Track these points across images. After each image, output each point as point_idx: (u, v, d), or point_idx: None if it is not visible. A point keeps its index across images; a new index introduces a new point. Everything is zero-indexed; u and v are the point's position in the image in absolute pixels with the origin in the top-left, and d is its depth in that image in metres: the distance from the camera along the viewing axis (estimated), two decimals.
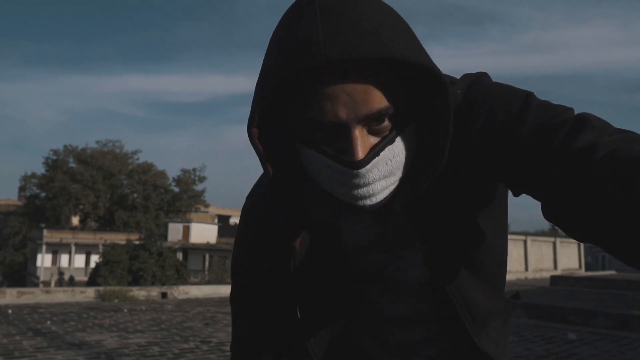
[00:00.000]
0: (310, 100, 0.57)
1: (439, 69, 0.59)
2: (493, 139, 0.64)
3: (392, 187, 0.64)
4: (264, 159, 0.63)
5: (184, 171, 51.45)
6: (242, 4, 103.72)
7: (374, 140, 0.60)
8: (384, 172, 0.61)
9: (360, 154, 0.58)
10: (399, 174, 0.64)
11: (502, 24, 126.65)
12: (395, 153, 0.61)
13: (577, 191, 0.55)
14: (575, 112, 0.62)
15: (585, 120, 0.59)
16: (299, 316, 0.83)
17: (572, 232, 0.59)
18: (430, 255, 0.74)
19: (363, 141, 0.59)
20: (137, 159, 52.43)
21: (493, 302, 0.82)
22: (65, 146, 50.01)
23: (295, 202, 0.70)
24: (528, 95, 0.65)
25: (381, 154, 0.60)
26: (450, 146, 0.64)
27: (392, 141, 0.61)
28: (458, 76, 0.73)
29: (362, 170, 0.59)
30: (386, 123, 0.60)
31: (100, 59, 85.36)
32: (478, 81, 0.69)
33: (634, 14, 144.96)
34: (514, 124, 0.62)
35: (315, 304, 0.81)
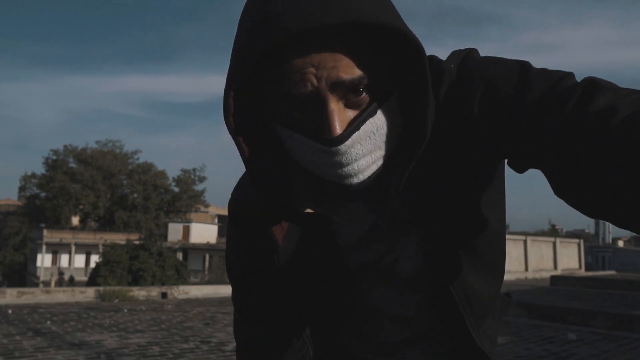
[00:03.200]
0: (280, 76, 0.55)
1: (412, 33, 0.55)
2: (495, 112, 0.60)
3: (379, 163, 0.60)
4: (242, 150, 0.61)
5: (184, 171, 51.44)
6: (241, 5, 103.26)
7: (353, 114, 0.57)
8: (368, 147, 0.58)
9: (338, 129, 0.55)
10: (385, 149, 0.60)
11: (500, 25, 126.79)
12: (379, 126, 0.58)
13: (594, 159, 0.51)
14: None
15: (597, 83, 0.55)
16: (293, 310, 0.82)
17: (585, 207, 0.55)
18: (428, 243, 0.70)
19: (340, 115, 0.56)
20: (137, 159, 52.43)
21: (492, 294, 0.78)
22: (65, 146, 50.03)
23: (281, 195, 0.67)
24: (525, 64, 0.61)
25: (362, 127, 0.57)
26: (449, 124, 0.61)
27: (372, 113, 0.57)
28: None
29: (342, 147, 0.56)
30: (364, 95, 0.57)
31: (101, 59, 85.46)
32: (470, 55, 0.65)
33: (631, 15, 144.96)
34: (516, 94, 0.59)
35: (306, 298, 0.79)
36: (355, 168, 0.58)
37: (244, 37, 0.55)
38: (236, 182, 0.82)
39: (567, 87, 0.56)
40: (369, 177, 0.60)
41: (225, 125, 0.59)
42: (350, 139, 0.56)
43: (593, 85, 0.55)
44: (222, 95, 0.57)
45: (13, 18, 78.57)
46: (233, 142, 0.61)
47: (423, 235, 0.70)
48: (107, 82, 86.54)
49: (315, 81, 0.54)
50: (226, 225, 0.85)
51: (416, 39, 0.56)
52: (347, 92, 0.56)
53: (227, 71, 0.58)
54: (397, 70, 0.61)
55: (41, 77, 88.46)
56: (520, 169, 0.63)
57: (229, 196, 0.82)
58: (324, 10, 0.51)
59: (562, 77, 0.58)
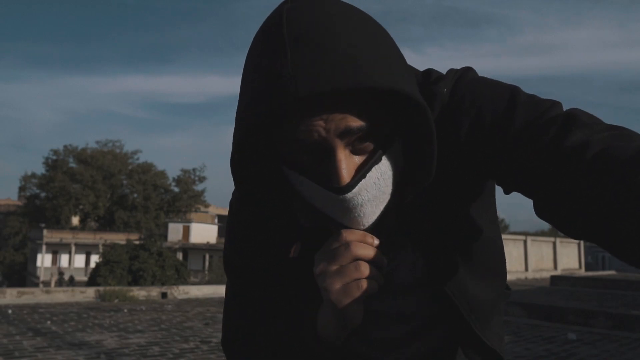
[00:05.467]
0: (290, 126, 0.57)
1: (417, 94, 0.57)
2: (482, 138, 0.63)
3: (381, 207, 0.62)
4: (241, 188, 0.65)
5: (184, 171, 51.51)
6: (240, 6, 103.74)
7: (359, 159, 0.59)
8: (373, 192, 0.60)
9: (346, 177, 0.57)
10: (388, 192, 0.63)
11: (499, 26, 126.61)
12: (383, 172, 0.60)
13: (570, 189, 0.55)
14: (564, 108, 0.62)
15: (575, 117, 0.58)
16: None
17: (565, 229, 0.59)
18: (426, 256, 0.73)
19: (348, 163, 0.58)
20: (137, 159, 52.57)
21: (494, 296, 0.81)
22: (65, 146, 50.14)
23: (284, 208, 0.69)
24: (514, 91, 0.64)
25: (368, 175, 0.59)
26: (439, 145, 0.63)
27: (378, 161, 0.60)
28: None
29: (349, 195, 0.58)
30: (370, 142, 0.59)
31: (100, 60, 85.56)
32: (463, 77, 0.68)
33: (630, 15, 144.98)
34: (502, 122, 0.62)
35: (304, 296, 0.77)
36: (360, 213, 0.61)
37: (253, 94, 0.56)
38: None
39: (548, 119, 0.59)
40: (373, 223, 0.63)
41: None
42: (357, 187, 0.58)
43: (572, 119, 0.58)
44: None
45: (13, 18, 78.68)
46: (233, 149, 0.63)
47: (421, 248, 0.73)
48: (107, 83, 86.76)
49: (323, 132, 0.56)
50: (228, 217, 0.83)
51: (422, 102, 0.58)
52: (353, 140, 0.58)
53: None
54: (400, 116, 0.63)
55: (41, 77, 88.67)
56: (505, 190, 0.67)
57: (229, 196, 0.81)
58: (334, 75, 0.51)
59: (548, 109, 0.61)
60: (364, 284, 0.61)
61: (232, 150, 0.59)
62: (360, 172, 0.59)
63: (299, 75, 0.51)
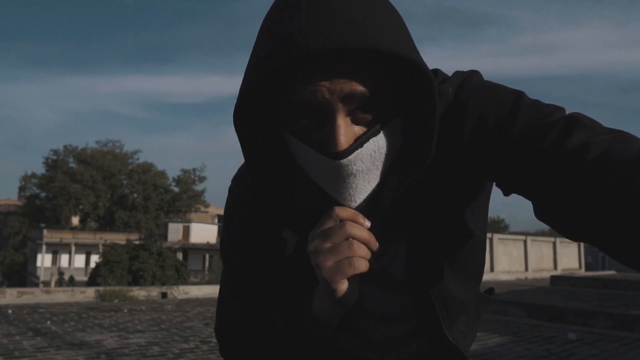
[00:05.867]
0: (295, 86, 0.58)
1: (423, 62, 0.58)
2: (484, 139, 0.64)
3: (374, 184, 0.63)
4: (246, 147, 0.64)
5: (184, 171, 51.55)
6: (240, 6, 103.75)
7: (359, 130, 0.60)
8: (367, 165, 0.61)
9: (344, 143, 0.58)
10: (381, 168, 0.63)
11: (499, 26, 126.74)
12: (380, 145, 0.61)
13: (570, 189, 0.55)
14: (567, 112, 0.62)
15: (577, 120, 0.59)
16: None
17: (564, 231, 0.59)
18: (414, 250, 0.74)
19: (347, 130, 0.59)
20: (137, 159, 52.62)
21: (468, 297, 0.83)
22: (65, 146, 50.15)
23: (281, 191, 0.69)
24: (518, 95, 0.65)
25: (365, 145, 0.60)
26: (440, 145, 0.63)
27: (376, 133, 0.60)
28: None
29: (345, 161, 0.59)
30: (371, 113, 0.60)
31: (101, 60, 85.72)
32: (469, 80, 0.69)
33: (630, 16, 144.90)
34: (504, 125, 0.62)
35: (297, 293, 0.77)
36: (353, 184, 0.62)
37: (265, 47, 0.58)
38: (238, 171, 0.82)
39: (550, 122, 0.60)
40: (365, 200, 0.64)
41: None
42: (352, 155, 0.59)
43: (573, 122, 0.59)
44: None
45: (13, 18, 78.69)
46: (237, 141, 0.64)
47: (412, 243, 0.73)
48: (107, 83, 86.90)
49: (327, 94, 0.57)
50: (225, 207, 0.82)
51: (426, 67, 0.58)
52: (355, 107, 0.59)
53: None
54: (403, 94, 0.63)
55: (41, 77, 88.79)
56: (504, 192, 0.67)
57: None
58: (344, 33, 0.54)
59: (551, 113, 0.61)
60: (356, 262, 0.62)
61: (237, 100, 0.60)
62: (358, 142, 0.59)
63: (310, 32, 0.54)
